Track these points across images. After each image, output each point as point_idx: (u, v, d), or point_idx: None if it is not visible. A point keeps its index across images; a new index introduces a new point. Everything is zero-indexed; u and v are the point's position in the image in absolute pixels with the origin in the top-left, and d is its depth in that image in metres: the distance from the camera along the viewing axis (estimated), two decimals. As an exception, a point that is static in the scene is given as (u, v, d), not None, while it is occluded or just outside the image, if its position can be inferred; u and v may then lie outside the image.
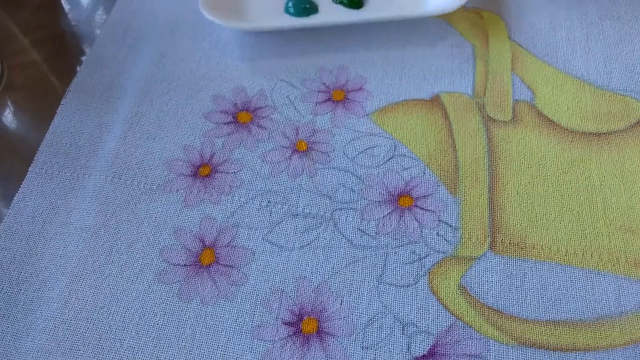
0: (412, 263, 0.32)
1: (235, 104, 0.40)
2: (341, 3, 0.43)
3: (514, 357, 0.29)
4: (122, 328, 0.30)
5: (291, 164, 0.36)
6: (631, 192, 0.35)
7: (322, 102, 0.40)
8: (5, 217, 0.34)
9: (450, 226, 0.34)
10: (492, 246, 0.33)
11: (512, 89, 0.40)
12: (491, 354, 0.29)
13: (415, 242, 0.33)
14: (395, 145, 0.37)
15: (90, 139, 0.38)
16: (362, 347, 0.30)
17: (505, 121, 0.38)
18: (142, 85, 0.40)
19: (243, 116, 0.39)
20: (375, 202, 0.35)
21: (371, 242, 0.33)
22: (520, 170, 0.36)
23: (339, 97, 0.40)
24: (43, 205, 0.35)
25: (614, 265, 0.32)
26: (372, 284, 0.32)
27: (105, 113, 0.39)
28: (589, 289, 0.31)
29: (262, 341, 0.30)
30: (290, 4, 0.43)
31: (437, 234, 0.33)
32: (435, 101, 0.39)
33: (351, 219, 0.34)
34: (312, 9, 0.42)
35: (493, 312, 0.31)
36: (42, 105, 0.40)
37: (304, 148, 0.37)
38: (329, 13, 0.43)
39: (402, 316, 0.31)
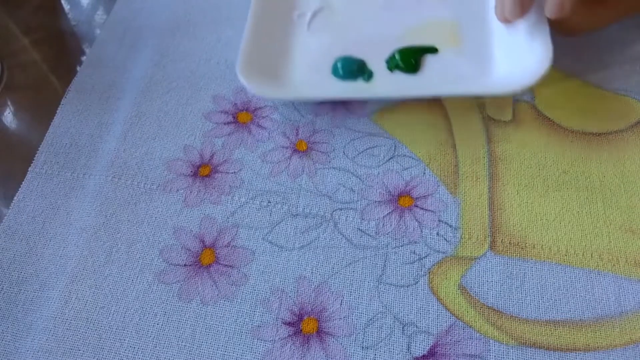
0: (412, 263, 0.32)
1: (235, 104, 0.40)
2: (397, 68, 0.38)
3: (514, 357, 0.29)
4: (122, 328, 0.30)
5: (291, 164, 0.36)
6: (631, 192, 0.35)
7: (322, 101, 0.39)
8: (5, 217, 0.34)
9: (450, 226, 0.34)
10: (492, 246, 0.33)
11: (512, 89, 0.40)
12: (491, 354, 0.29)
13: (415, 242, 0.33)
14: (395, 145, 0.37)
15: (90, 139, 0.38)
16: (362, 347, 0.30)
17: (505, 121, 0.38)
18: (142, 85, 0.40)
19: (243, 116, 0.39)
20: (375, 202, 0.35)
21: (371, 242, 0.33)
22: (520, 170, 0.36)
23: (339, 97, 0.40)
24: (43, 205, 0.35)
25: (614, 265, 0.32)
26: (372, 284, 0.32)
27: (105, 113, 0.39)
28: (589, 289, 0.31)
29: (262, 341, 0.30)
30: (339, 65, 0.38)
31: (437, 234, 0.33)
32: (435, 101, 0.39)
33: (351, 219, 0.34)
34: (361, 71, 0.38)
35: (493, 312, 0.31)
36: (42, 105, 0.40)
37: (304, 148, 0.37)
38: (382, 79, 0.38)
39: (402, 316, 0.31)
